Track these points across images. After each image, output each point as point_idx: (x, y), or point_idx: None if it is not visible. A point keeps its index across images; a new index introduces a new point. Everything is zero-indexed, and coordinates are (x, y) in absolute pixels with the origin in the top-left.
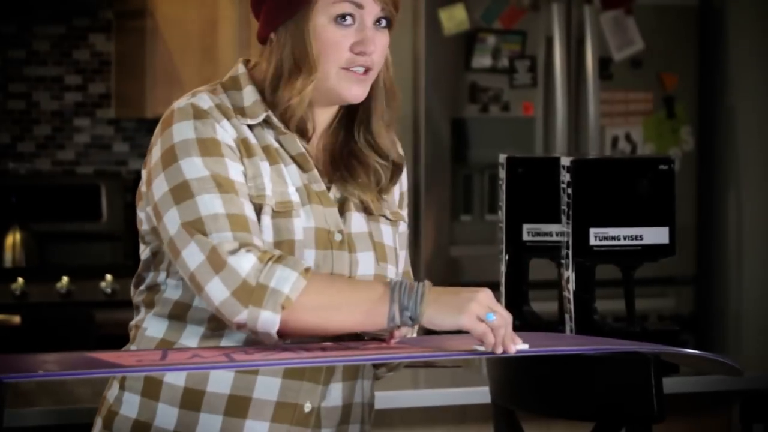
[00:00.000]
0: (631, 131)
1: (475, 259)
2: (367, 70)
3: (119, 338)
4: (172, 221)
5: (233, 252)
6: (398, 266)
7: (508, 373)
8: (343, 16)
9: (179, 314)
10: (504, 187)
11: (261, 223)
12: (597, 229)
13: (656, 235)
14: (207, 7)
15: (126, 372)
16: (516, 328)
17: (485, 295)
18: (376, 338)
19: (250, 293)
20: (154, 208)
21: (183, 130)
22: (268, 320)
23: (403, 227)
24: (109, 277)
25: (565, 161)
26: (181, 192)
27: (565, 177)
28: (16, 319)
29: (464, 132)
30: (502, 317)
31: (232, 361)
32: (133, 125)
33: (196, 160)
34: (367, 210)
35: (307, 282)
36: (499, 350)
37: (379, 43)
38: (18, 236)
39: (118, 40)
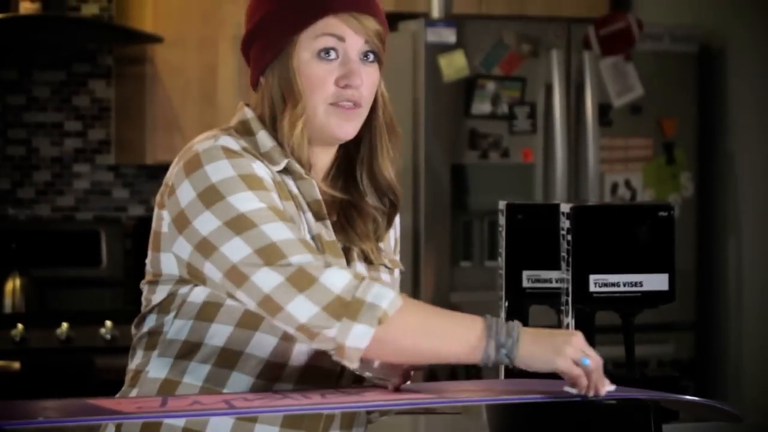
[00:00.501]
0: (631, 177)
1: (475, 305)
2: (356, 105)
3: (119, 384)
4: (236, 251)
5: (324, 270)
6: None
7: (508, 421)
8: (326, 51)
9: (186, 354)
10: (504, 233)
11: None
12: (597, 275)
13: (656, 282)
14: (207, 53)
15: (126, 419)
16: (515, 375)
17: (578, 339)
18: (376, 384)
19: (345, 307)
20: (201, 244)
21: (220, 169)
22: (362, 333)
23: (397, 273)
24: (108, 323)
25: (565, 208)
26: (241, 224)
27: (565, 224)
28: (16, 365)
29: (464, 178)
30: (596, 361)
31: (232, 408)
32: (133, 171)
33: (246, 194)
34: (367, 260)
35: (403, 302)
36: (591, 393)
37: (367, 77)
38: (18, 282)
39: (118, 86)
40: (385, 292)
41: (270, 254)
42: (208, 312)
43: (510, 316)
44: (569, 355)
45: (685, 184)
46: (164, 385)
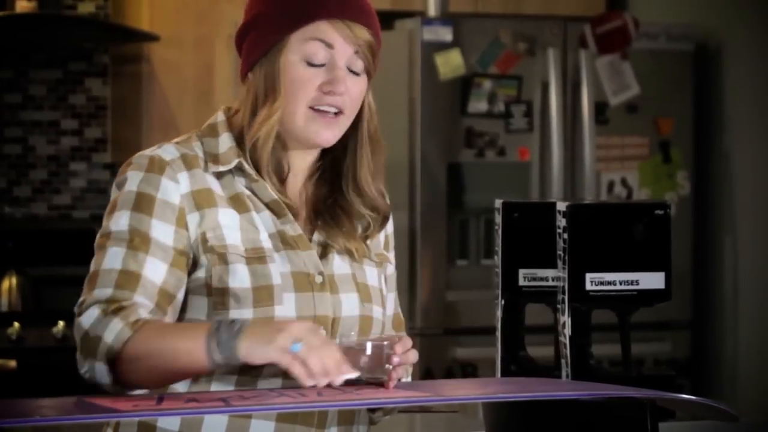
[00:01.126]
0: (627, 176)
1: (471, 304)
2: (338, 113)
3: None
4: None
5: (87, 306)
6: (386, 308)
7: (504, 419)
8: (315, 56)
9: None
10: (500, 232)
11: (236, 271)
12: (593, 274)
13: (652, 280)
14: (203, 51)
15: (122, 417)
16: (512, 373)
17: (295, 326)
18: (374, 382)
19: (88, 345)
20: None
21: (131, 181)
22: (100, 371)
23: (391, 269)
24: None
25: (561, 206)
26: (101, 243)
27: (561, 222)
28: (12, 363)
29: (460, 177)
30: (314, 346)
31: (229, 406)
32: None
33: (125, 213)
34: (349, 253)
35: (133, 332)
36: (310, 382)
37: (352, 87)
38: (14, 281)
39: (115, 84)
40: (115, 325)
41: (88, 284)
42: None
43: (506, 315)
44: (279, 344)
45: (682, 183)
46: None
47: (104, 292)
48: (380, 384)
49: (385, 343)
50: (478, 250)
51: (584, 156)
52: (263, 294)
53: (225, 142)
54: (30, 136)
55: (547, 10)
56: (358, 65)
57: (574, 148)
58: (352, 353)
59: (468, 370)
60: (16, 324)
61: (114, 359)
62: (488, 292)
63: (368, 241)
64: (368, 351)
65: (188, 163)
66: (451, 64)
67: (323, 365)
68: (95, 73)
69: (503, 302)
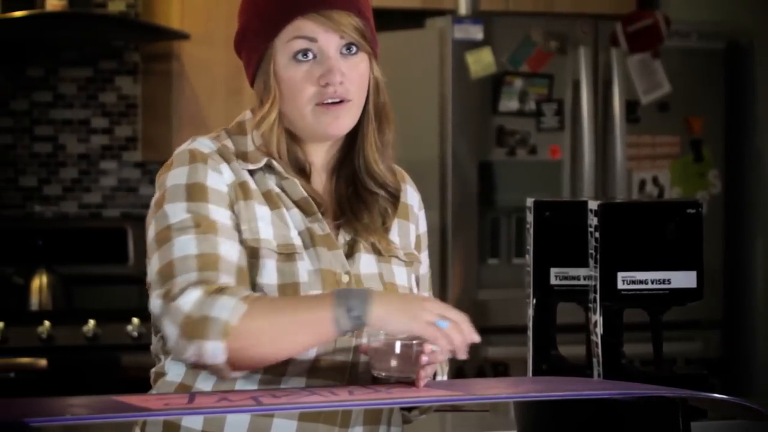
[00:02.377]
0: (659, 175)
1: (503, 303)
2: (343, 101)
3: (145, 381)
4: (151, 268)
5: (181, 291)
6: None
7: (535, 418)
8: (301, 53)
9: None
10: (531, 230)
11: (265, 266)
12: (625, 273)
13: (684, 279)
14: (233, 50)
15: (153, 416)
16: (543, 373)
17: (433, 303)
18: (404, 382)
19: (194, 327)
20: (147, 255)
21: (177, 176)
22: (213, 350)
23: (424, 269)
24: (135, 320)
25: (593, 205)
26: (162, 238)
27: (593, 221)
28: (43, 362)
29: (491, 175)
30: (456, 320)
31: (260, 405)
32: (160, 168)
33: (180, 204)
34: (377, 251)
35: (247, 306)
36: (460, 354)
37: (351, 70)
38: (44, 279)
39: (145, 82)
40: (226, 302)
41: (165, 274)
42: None
43: (538, 314)
44: (425, 318)
45: (713, 182)
46: (180, 390)
47: (189, 277)
48: (411, 383)
49: (414, 342)
50: (509, 248)
51: (615, 154)
52: (289, 291)
53: (252, 140)
54: (60, 134)
55: (578, 8)
56: (352, 47)
57: (606, 146)
58: (381, 353)
59: (499, 369)
60: (47, 323)
61: (228, 337)
62: (519, 291)
63: (396, 238)
64: (397, 350)
65: (225, 156)
66: (482, 62)
67: (464, 338)
68: (126, 72)
69: (535, 301)
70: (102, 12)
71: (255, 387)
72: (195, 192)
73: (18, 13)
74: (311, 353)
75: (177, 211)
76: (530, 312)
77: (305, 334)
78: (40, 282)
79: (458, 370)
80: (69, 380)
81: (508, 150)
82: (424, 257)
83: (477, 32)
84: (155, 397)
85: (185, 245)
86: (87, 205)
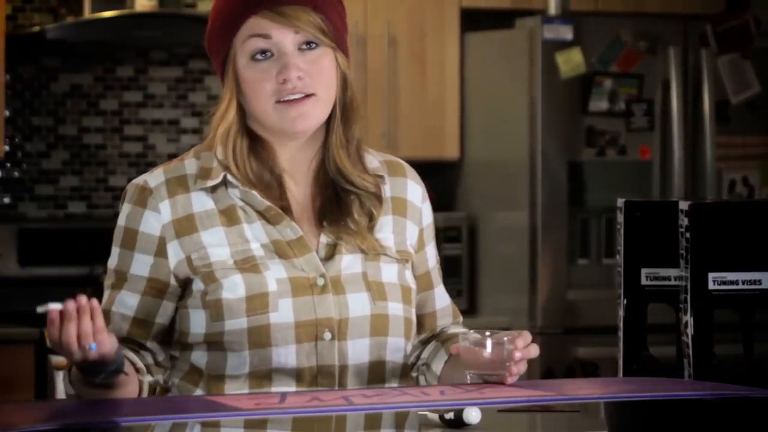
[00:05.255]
0: (749, 175)
1: (592, 303)
2: (307, 96)
3: None
4: None
5: None
6: (412, 303)
7: (626, 419)
8: (259, 52)
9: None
10: (622, 231)
11: (229, 282)
12: (715, 273)
13: None
14: None
15: (245, 415)
16: (634, 373)
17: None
18: (495, 380)
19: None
20: None
21: (122, 215)
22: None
23: (432, 263)
24: None
25: (684, 205)
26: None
27: (684, 221)
28: None
29: (581, 175)
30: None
31: (351, 404)
32: None
33: (114, 250)
34: (362, 251)
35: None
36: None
37: (311, 65)
38: None
39: None
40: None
41: None
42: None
43: (628, 314)
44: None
45: None
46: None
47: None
48: (501, 381)
49: (506, 339)
50: (599, 248)
51: (705, 155)
52: (257, 302)
53: (215, 156)
54: (150, 134)
55: (668, 8)
56: (310, 44)
57: (695, 146)
58: (472, 351)
59: (589, 369)
60: None
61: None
62: (609, 292)
63: (390, 234)
64: (489, 348)
65: (172, 189)
66: (572, 62)
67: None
68: (215, 72)
69: (625, 302)
70: (191, 12)
71: (293, 389)
72: (127, 238)
73: (108, 14)
74: (291, 362)
75: (111, 257)
76: (621, 312)
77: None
78: None
79: (547, 370)
80: None
81: (598, 150)
82: (430, 250)
83: (567, 32)
84: (247, 396)
85: (104, 300)
86: None
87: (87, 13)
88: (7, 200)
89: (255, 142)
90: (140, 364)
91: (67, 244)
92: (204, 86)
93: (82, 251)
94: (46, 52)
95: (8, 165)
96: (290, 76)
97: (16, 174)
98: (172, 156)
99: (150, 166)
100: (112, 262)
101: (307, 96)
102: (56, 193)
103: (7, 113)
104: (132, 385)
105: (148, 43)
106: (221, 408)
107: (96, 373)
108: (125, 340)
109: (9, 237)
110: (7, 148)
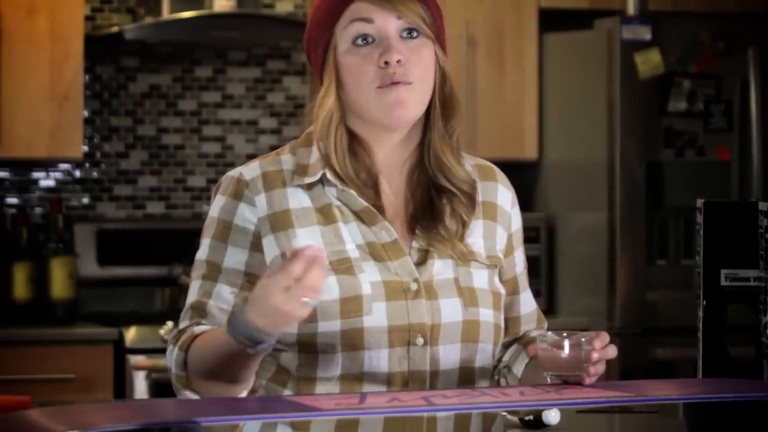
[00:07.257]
0: None
1: (671, 304)
2: (405, 83)
3: None
4: None
5: (169, 345)
6: (500, 309)
7: (706, 420)
8: (360, 37)
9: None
10: (701, 231)
11: (325, 282)
12: None
13: None
14: None
15: (325, 415)
16: (713, 374)
17: (278, 296)
18: (573, 381)
19: (175, 379)
20: None
21: (215, 206)
22: (189, 395)
23: (520, 268)
24: None
25: (763, 206)
26: (192, 273)
27: (763, 222)
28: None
29: (659, 176)
30: (302, 286)
31: (431, 405)
32: None
33: (206, 241)
34: (453, 257)
35: (185, 354)
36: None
37: (412, 53)
38: None
39: (313, 83)
40: (171, 351)
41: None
42: None
43: (708, 315)
44: (296, 315)
45: None
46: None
47: (183, 324)
48: (578, 381)
49: (583, 339)
50: (677, 249)
51: None
52: (351, 305)
53: (316, 152)
54: (229, 134)
55: (746, 7)
56: (413, 32)
57: None
58: (550, 352)
59: (667, 370)
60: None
61: (183, 382)
62: (688, 293)
63: (480, 240)
64: (566, 349)
65: (268, 182)
66: (650, 63)
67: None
68: (294, 72)
69: (705, 303)
70: (270, 12)
71: (336, 390)
72: (221, 230)
73: (186, 14)
74: (383, 366)
75: (203, 249)
76: (700, 313)
77: (231, 366)
78: None
79: (625, 370)
80: None
81: (677, 150)
82: (519, 255)
83: (645, 32)
84: (326, 396)
85: (194, 289)
86: None
87: (165, 14)
88: (86, 201)
89: (352, 140)
90: None
91: (146, 244)
92: (282, 87)
93: (160, 251)
94: (124, 53)
95: (87, 165)
96: (392, 59)
97: (95, 174)
98: (250, 157)
99: (228, 166)
100: (203, 253)
101: (404, 83)
102: (135, 194)
103: (85, 114)
104: (253, 373)
105: (227, 43)
106: (301, 408)
107: (257, 343)
108: None
109: (88, 237)
110: (85, 148)
